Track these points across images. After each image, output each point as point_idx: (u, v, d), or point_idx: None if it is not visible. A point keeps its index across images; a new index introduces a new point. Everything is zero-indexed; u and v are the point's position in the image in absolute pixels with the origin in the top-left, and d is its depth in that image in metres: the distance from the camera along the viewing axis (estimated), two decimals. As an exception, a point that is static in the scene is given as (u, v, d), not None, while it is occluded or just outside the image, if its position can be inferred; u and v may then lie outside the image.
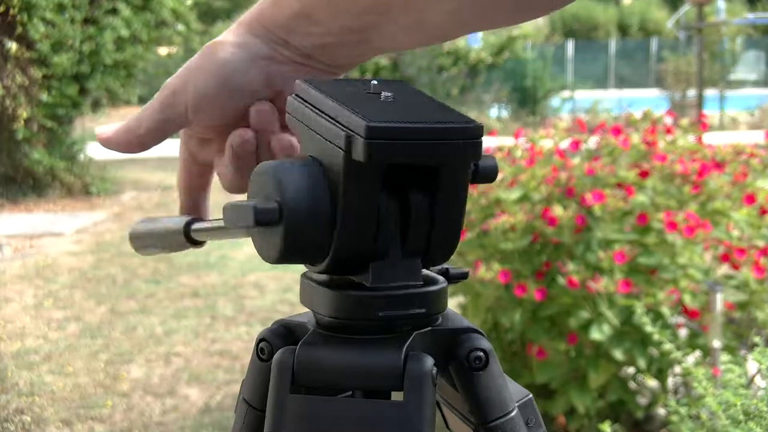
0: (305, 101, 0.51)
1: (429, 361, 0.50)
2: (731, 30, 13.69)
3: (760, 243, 2.34)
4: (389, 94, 0.50)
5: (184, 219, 0.63)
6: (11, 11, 6.81)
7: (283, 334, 0.56)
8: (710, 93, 11.84)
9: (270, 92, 0.57)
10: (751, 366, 1.64)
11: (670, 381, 2.37)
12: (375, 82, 0.53)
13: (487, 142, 3.10)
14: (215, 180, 0.65)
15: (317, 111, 0.50)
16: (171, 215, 0.65)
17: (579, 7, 23.34)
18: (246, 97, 0.56)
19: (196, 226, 0.63)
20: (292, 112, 0.52)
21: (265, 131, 0.57)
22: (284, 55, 0.55)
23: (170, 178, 8.73)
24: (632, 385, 2.39)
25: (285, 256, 0.49)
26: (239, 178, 0.59)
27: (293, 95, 0.53)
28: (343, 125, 0.47)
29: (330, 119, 0.48)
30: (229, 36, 0.57)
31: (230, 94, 0.56)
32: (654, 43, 18.99)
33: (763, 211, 2.41)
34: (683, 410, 1.48)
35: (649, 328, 1.71)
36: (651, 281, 2.24)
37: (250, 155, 0.57)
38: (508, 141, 2.75)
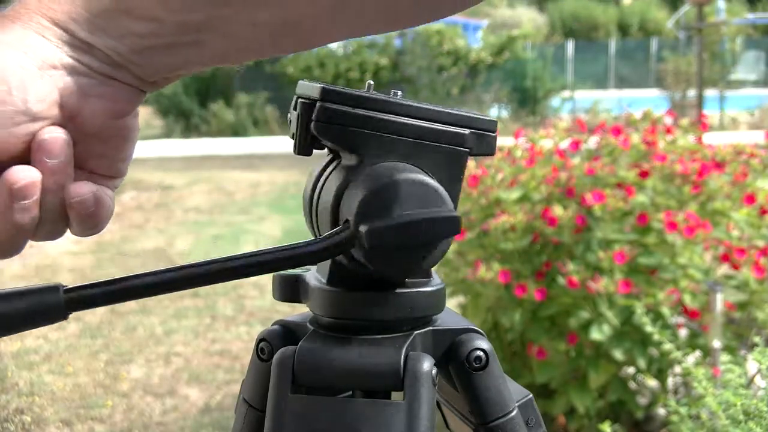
0: (369, 108, 0.49)
1: (429, 361, 0.50)
2: (731, 30, 13.69)
3: (760, 243, 2.34)
4: (399, 92, 0.52)
5: (49, 286, 0.47)
6: (11, 11, 6.81)
7: (283, 334, 0.57)
8: (710, 93, 11.84)
9: (62, 115, 0.41)
10: (751, 366, 1.64)
11: (670, 381, 2.37)
12: (371, 82, 0.53)
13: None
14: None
15: (407, 117, 0.49)
16: None
17: (579, 7, 23.34)
18: (27, 122, 0.40)
19: (85, 292, 0.46)
20: (341, 120, 0.49)
21: (56, 171, 0.41)
22: (85, 64, 0.40)
23: (170, 178, 8.73)
24: (632, 385, 2.39)
25: (435, 263, 0.50)
26: (13, 235, 0.43)
27: (327, 104, 0.48)
28: (456, 124, 0.50)
29: (437, 122, 0.50)
30: None
31: (7, 116, 0.39)
32: (654, 43, 18.99)
33: (763, 211, 2.41)
34: (683, 410, 1.48)
35: (649, 328, 1.71)
36: (651, 281, 2.24)
37: (33, 205, 0.41)
38: (508, 141, 2.75)
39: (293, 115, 0.52)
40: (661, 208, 2.30)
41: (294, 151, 0.51)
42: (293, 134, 0.51)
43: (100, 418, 2.93)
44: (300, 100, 0.51)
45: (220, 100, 13.24)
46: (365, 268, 0.49)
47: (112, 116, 0.42)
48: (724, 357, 1.46)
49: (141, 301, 4.34)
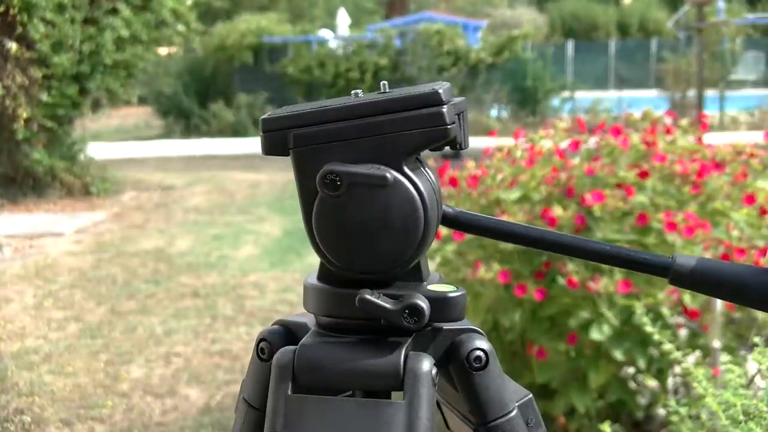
0: None
1: (429, 361, 0.50)
2: (731, 30, 13.68)
3: (760, 243, 2.34)
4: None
5: None
6: (11, 11, 6.81)
7: (283, 334, 0.57)
8: (710, 93, 11.83)
9: None
10: (751, 366, 1.64)
11: (670, 381, 2.37)
12: (385, 83, 0.55)
13: (487, 143, 3.09)
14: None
15: None
16: None
17: (579, 7, 23.32)
18: None
19: None
20: None
21: None
22: None
23: (170, 178, 8.73)
24: (632, 385, 2.39)
25: None
26: None
27: None
28: None
29: None
30: None
31: None
32: (654, 44, 18.97)
33: (763, 211, 2.40)
34: (683, 410, 1.48)
35: (649, 328, 1.71)
36: (651, 281, 2.24)
37: None
38: (508, 141, 2.75)
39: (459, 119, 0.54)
40: (660, 208, 2.30)
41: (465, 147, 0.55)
42: (463, 134, 0.55)
43: (100, 418, 2.93)
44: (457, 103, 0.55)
45: (220, 101, 13.23)
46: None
47: None
48: (724, 357, 1.46)
49: (141, 300, 4.34)
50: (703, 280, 0.51)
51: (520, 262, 2.33)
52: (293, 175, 0.56)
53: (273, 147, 0.56)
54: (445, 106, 0.52)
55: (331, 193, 0.51)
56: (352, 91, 0.55)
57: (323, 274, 0.54)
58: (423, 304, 0.50)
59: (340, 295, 0.52)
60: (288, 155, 0.55)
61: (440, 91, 0.52)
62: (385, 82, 0.54)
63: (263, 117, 0.55)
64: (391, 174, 0.51)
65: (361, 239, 0.52)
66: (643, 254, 0.53)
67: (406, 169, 0.52)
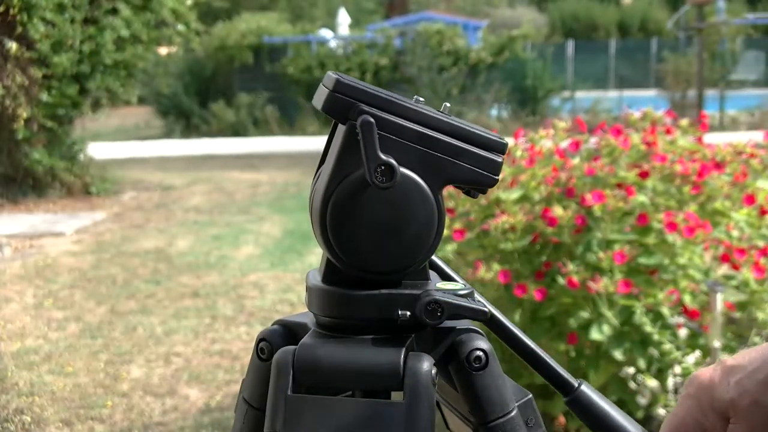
0: None
1: (429, 361, 0.50)
2: (731, 30, 13.68)
3: (760, 243, 2.34)
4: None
5: None
6: (11, 11, 6.81)
7: (283, 333, 0.57)
8: (710, 93, 11.84)
9: None
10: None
11: (670, 381, 2.37)
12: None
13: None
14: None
15: None
16: None
17: (579, 7, 23.32)
18: None
19: None
20: None
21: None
22: None
23: (170, 178, 8.73)
24: (632, 385, 2.39)
25: None
26: None
27: None
28: None
29: None
30: None
31: None
32: (654, 44, 18.96)
33: (762, 212, 2.40)
34: (683, 410, 1.48)
35: (649, 328, 1.71)
36: (651, 281, 2.24)
37: None
38: (508, 141, 2.75)
39: None
40: (661, 208, 2.30)
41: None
42: None
43: (100, 418, 2.93)
44: None
45: (220, 100, 13.23)
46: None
47: None
48: (725, 357, 1.46)
49: (141, 300, 4.34)
50: (590, 415, 0.58)
51: (521, 262, 2.33)
52: (330, 141, 0.55)
53: (334, 108, 0.53)
54: (504, 158, 0.54)
55: (381, 184, 0.50)
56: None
57: (329, 275, 0.54)
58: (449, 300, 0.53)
59: (348, 295, 0.52)
60: (343, 123, 0.52)
61: (508, 143, 0.53)
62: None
63: (337, 77, 0.52)
64: None
65: (392, 235, 0.52)
66: (557, 368, 0.59)
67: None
